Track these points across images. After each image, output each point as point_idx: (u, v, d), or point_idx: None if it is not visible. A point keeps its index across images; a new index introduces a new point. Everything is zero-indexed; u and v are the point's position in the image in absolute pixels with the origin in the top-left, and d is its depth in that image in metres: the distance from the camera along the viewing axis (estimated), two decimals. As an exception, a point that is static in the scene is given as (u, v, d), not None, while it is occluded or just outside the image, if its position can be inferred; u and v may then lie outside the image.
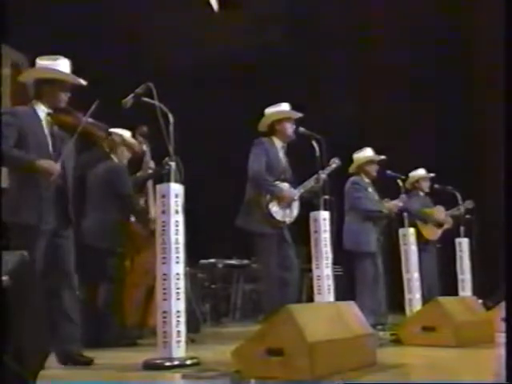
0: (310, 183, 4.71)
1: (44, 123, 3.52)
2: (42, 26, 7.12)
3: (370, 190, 5.67)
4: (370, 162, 5.67)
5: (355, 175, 5.68)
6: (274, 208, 4.64)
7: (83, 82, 3.62)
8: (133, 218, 4.97)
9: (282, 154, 4.83)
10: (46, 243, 3.39)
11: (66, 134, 3.54)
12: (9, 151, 3.35)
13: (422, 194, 6.44)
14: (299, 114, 4.80)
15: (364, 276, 5.42)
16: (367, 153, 5.70)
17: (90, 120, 3.55)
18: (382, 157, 5.69)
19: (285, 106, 4.83)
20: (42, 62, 3.59)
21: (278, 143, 4.83)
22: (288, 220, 4.71)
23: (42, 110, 3.53)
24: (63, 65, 3.58)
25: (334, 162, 4.91)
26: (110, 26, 7.47)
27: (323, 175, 4.64)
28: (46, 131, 3.51)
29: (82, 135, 3.56)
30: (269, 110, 4.84)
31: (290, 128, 4.77)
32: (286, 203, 4.68)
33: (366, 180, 5.70)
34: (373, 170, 5.69)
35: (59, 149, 3.49)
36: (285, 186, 4.73)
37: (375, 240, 5.52)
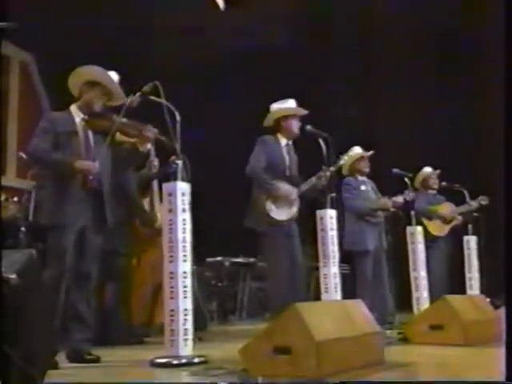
0: (312, 181, 4.67)
1: (79, 128, 3.60)
2: (45, 25, 7.15)
3: (364, 188, 5.65)
4: (359, 159, 5.64)
5: (349, 176, 5.68)
6: (271, 207, 4.62)
7: (123, 97, 3.68)
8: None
9: (285, 152, 4.80)
10: (73, 243, 3.45)
11: (102, 137, 3.59)
12: (48, 155, 3.49)
13: (431, 191, 6.41)
14: (305, 111, 4.77)
15: (362, 275, 5.40)
16: (355, 151, 5.68)
17: (124, 120, 3.57)
18: (370, 152, 5.66)
19: (291, 103, 4.79)
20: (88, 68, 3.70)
21: (283, 140, 4.81)
22: (285, 219, 4.66)
23: (78, 115, 3.63)
24: (113, 75, 3.74)
25: (343, 159, 4.89)
26: (115, 24, 7.50)
27: (328, 172, 4.61)
28: (81, 136, 3.59)
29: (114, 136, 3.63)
30: (274, 106, 4.82)
31: (295, 125, 4.75)
32: (283, 202, 4.66)
33: (360, 178, 5.68)
34: (363, 166, 5.65)
35: (93, 153, 3.56)
36: (283, 184, 4.68)
37: (372, 238, 5.49)
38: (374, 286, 5.39)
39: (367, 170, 5.68)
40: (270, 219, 4.61)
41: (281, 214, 4.64)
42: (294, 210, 4.70)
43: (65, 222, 3.43)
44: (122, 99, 3.68)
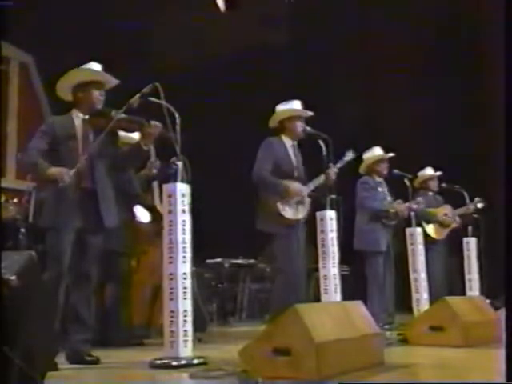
0: (321, 179, 4.68)
1: (77, 130, 3.60)
2: (45, 26, 7.15)
3: (380, 189, 5.63)
4: (379, 160, 5.64)
5: (366, 175, 5.67)
6: (282, 206, 4.61)
7: (115, 81, 3.67)
8: (143, 219, 4.97)
9: (291, 152, 4.79)
10: (71, 244, 3.44)
11: (104, 136, 3.56)
12: (30, 158, 3.52)
13: (430, 193, 6.41)
14: (309, 113, 4.77)
15: (375, 276, 5.39)
16: (376, 152, 5.67)
17: (122, 116, 3.56)
18: (391, 154, 5.65)
19: (296, 104, 4.80)
20: (75, 70, 3.69)
21: (288, 141, 4.80)
22: (300, 217, 4.65)
23: (78, 116, 3.63)
24: (94, 67, 3.70)
25: (347, 155, 4.89)
26: (114, 24, 7.51)
27: (335, 169, 4.62)
28: (79, 138, 3.58)
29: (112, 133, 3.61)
30: (279, 107, 4.82)
31: (299, 127, 4.74)
32: (294, 201, 4.66)
33: (377, 179, 5.68)
34: (383, 168, 5.64)
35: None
36: (291, 183, 4.69)
37: (385, 239, 5.49)
38: (383, 287, 5.39)
39: (385, 172, 5.66)
40: (284, 219, 4.58)
41: (293, 212, 4.63)
42: (306, 208, 4.70)
43: (60, 223, 3.42)
44: (113, 82, 3.69)
